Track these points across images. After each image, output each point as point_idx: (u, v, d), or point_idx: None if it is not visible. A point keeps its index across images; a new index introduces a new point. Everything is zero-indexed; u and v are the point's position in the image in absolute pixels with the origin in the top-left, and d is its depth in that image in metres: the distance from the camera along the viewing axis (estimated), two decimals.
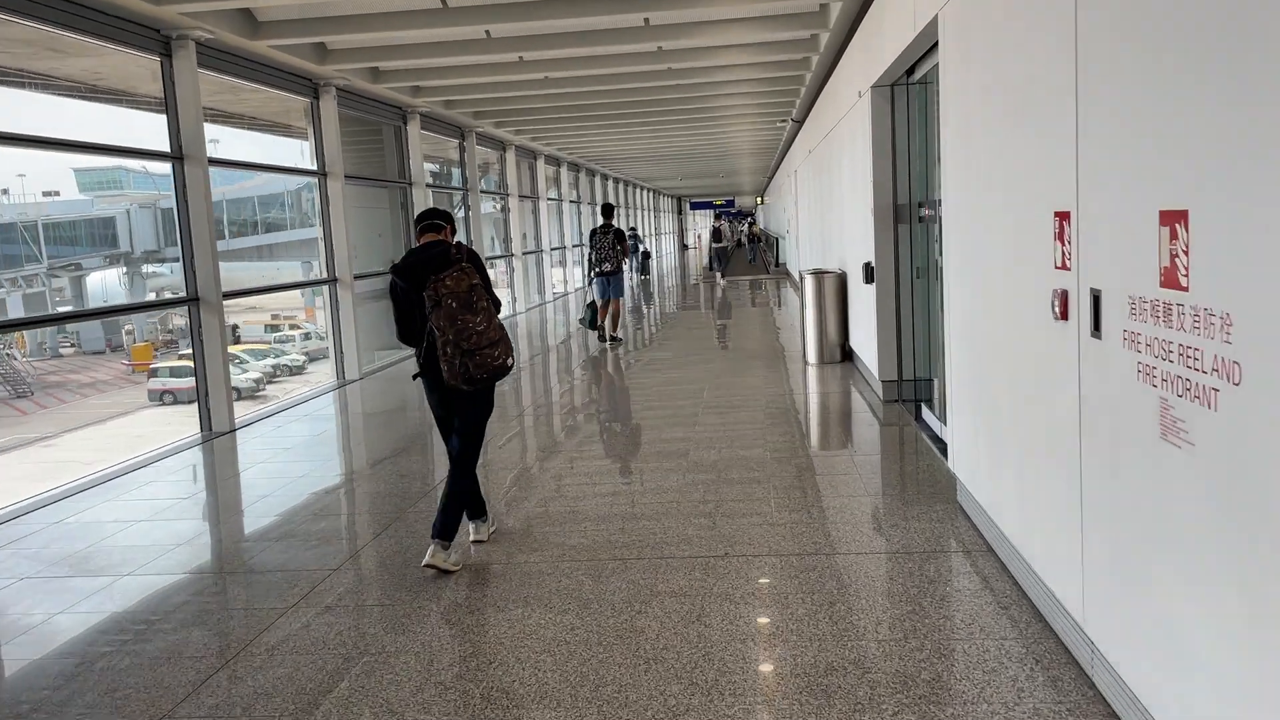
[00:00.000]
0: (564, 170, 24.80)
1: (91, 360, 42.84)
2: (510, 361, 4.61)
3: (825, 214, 13.00)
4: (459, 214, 17.35)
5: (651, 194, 46.76)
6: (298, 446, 7.93)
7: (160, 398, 31.43)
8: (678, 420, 7.85)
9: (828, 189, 12.44)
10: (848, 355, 10.52)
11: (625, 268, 13.02)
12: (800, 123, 17.61)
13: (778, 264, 29.56)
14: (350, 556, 5.00)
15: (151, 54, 8.19)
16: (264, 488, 6.57)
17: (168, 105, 8.32)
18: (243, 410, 9.60)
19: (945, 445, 6.41)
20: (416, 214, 4.97)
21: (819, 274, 10.52)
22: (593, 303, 12.83)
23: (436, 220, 4.66)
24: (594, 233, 13.03)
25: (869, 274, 8.12)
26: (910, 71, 7.17)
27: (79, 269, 48.09)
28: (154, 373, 34.43)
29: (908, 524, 4.90)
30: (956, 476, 5.14)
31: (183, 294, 8.49)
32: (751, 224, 47.06)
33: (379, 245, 14.07)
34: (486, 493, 5.56)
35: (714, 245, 30.95)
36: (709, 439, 7.09)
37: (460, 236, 17.43)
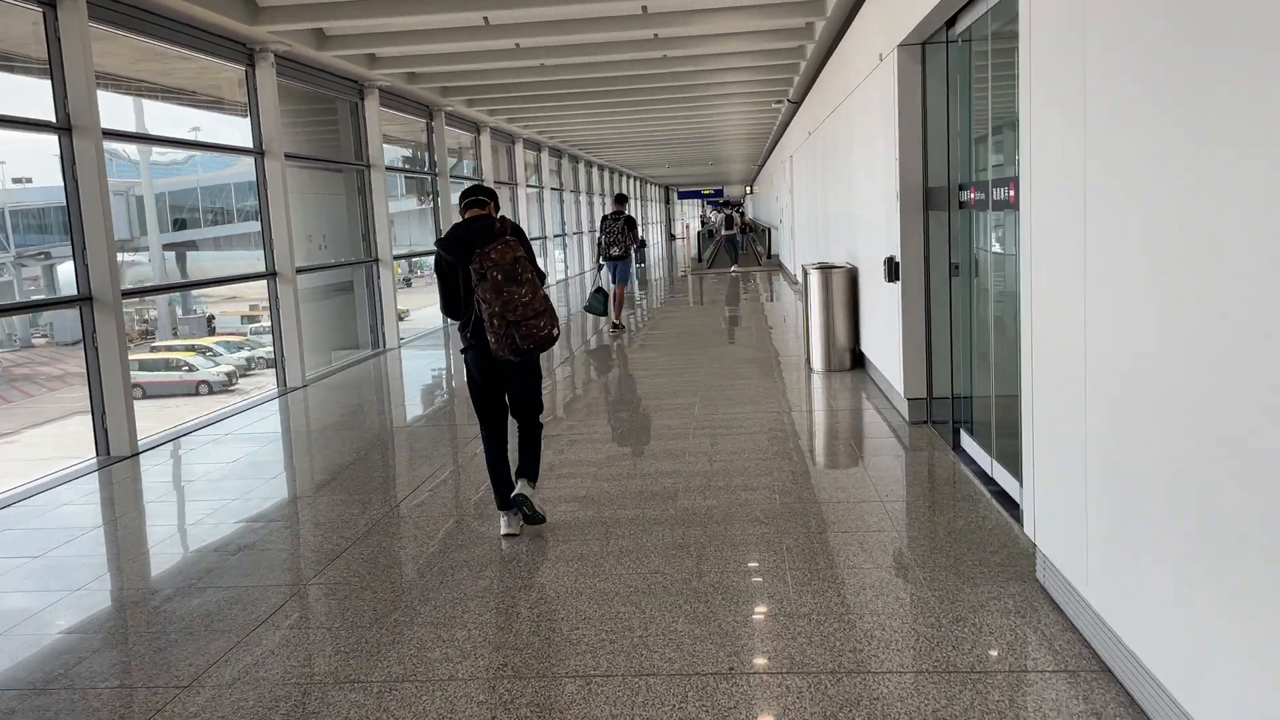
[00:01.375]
0: (545, 155, 23.41)
1: (64, 351, 41.31)
2: (556, 332, 4.65)
3: (829, 201, 11.68)
4: (428, 201, 15.98)
5: (638, 182, 45.37)
6: (202, 480, 6.58)
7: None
8: (665, 447, 6.54)
9: (833, 173, 11.12)
10: (858, 361, 9.22)
11: (632, 255, 13.54)
12: (798, 104, 16.29)
13: (769, 256, 28.22)
14: (198, 676, 3.66)
15: (30, 2, 6.80)
16: (132, 540, 5.23)
17: (51, 67, 6.94)
18: (171, 420, 8.30)
19: (988, 478, 5.14)
20: (461, 190, 4.94)
21: (825, 269, 9.20)
22: (600, 288, 12.77)
23: (480, 196, 4.78)
24: (605, 219, 13.30)
25: (892, 271, 6.82)
26: (950, 23, 5.85)
27: (48, 258, 46.68)
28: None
29: (976, 620, 3.60)
30: (1041, 551, 3.83)
31: (90, 291, 7.13)
32: (741, 214, 45.71)
33: (333, 235, 12.72)
34: (459, 512, 4.23)
35: (724, 234, 29.38)
36: (702, 475, 5.78)
37: (429, 226, 16.07)
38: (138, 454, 7.25)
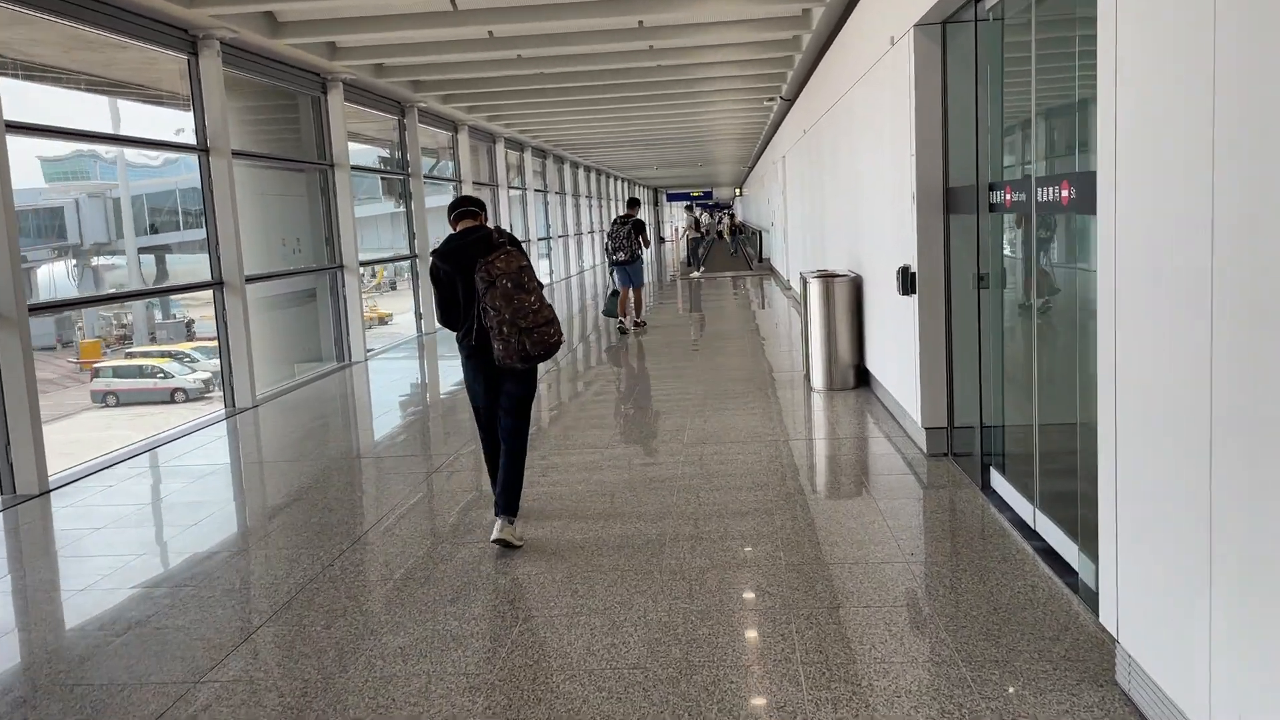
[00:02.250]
0: (528, 156, 22.54)
1: (39, 358, 40.20)
2: (561, 339, 4.68)
3: (828, 204, 10.87)
4: (398, 204, 15.11)
5: (626, 184, 44.55)
6: (112, 527, 5.70)
7: (103, 399, 29.07)
8: (650, 483, 5.69)
9: (832, 173, 10.30)
10: (863, 378, 8.40)
11: (641, 258, 13.63)
12: (791, 101, 15.49)
13: (761, 259, 27.42)
14: None
15: None
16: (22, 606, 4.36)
17: None
18: (148, 429, 7.48)
19: (1028, 528, 4.31)
20: (450, 202, 4.90)
21: (826, 279, 8.38)
22: (615, 291, 13.13)
23: (472, 207, 4.82)
24: (614, 223, 13.42)
25: (907, 282, 5.99)
26: None
27: (24, 262, 45.59)
28: (97, 373, 31.97)
29: None
30: (1124, 649, 3.00)
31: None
32: (731, 216, 44.99)
33: (294, 240, 11.84)
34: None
35: (690, 236, 28.80)
36: (691, 521, 4.93)
37: (402, 230, 15.20)
38: (48, 492, 6.36)
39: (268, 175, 12.21)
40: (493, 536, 4.68)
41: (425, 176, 15.06)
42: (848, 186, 8.97)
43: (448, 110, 15.19)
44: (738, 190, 51.79)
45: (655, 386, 9.21)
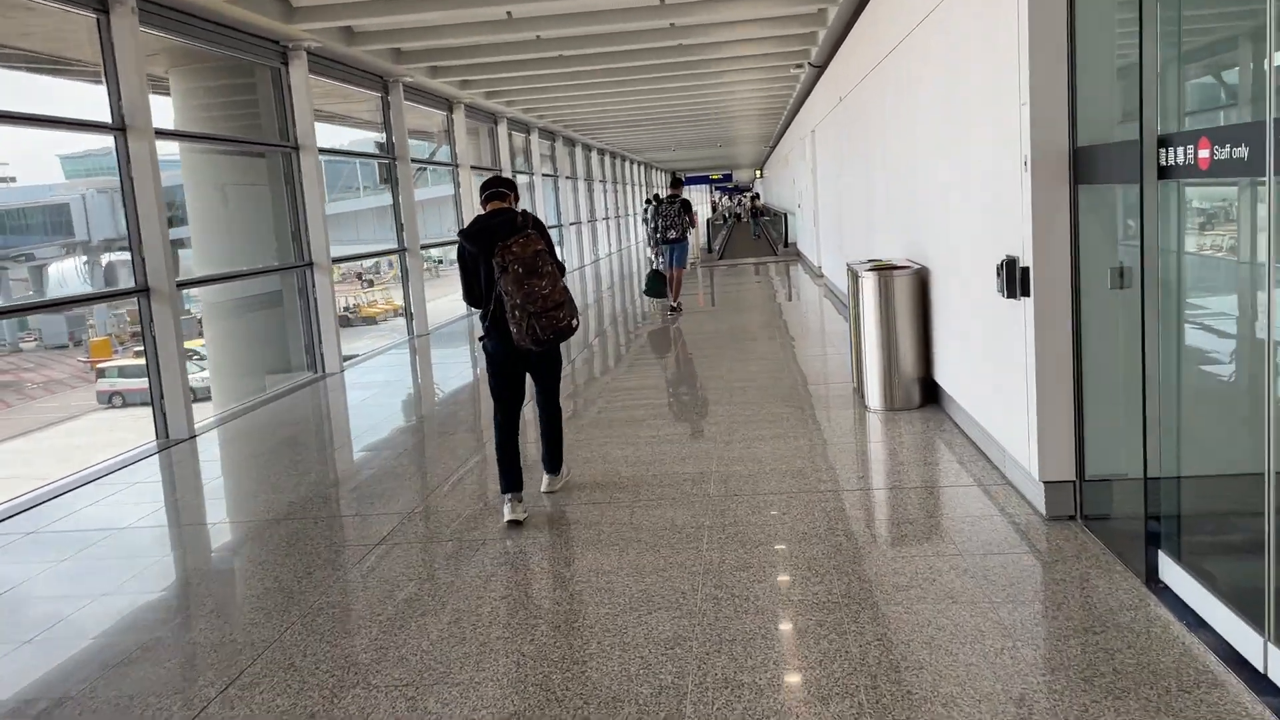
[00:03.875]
0: (535, 138, 20.91)
1: (51, 356, 39.13)
2: (575, 323, 4.77)
3: (875, 179, 9.21)
4: (380, 189, 13.56)
5: (643, 168, 42.88)
6: None
7: (109, 400, 27.87)
8: (661, 567, 4.11)
9: (881, 141, 8.64)
10: (929, 393, 6.78)
11: (689, 238, 13.63)
12: (822, 67, 13.80)
13: (786, 244, 25.68)
14: None
15: None
16: None
17: None
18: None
19: (1254, 670, 2.73)
20: (482, 182, 4.94)
21: (883, 272, 6.74)
22: (655, 270, 13.20)
23: (501, 188, 4.88)
24: (660, 202, 13.43)
25: (1017, 281, 4.35)
26: None
27: (31, 259, 44.60)
28: (102, 372, 30.73)
29: None
30: None
31: None
32: (754, 197, 43.24)
33: (250, 235, 10.35)
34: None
35: (650, 226, 27.09)
36: (715, 643, 3.35)
37: (389, 222, 13.65)
38: None
39: (226, 163, 10.69)
40: (542, 489, 5.29)
41: (415, 161, 13.48)
42: (905, 156, 7.32)
43: (439, 85, 13.58)
44: (758, 172, 50.01)
45: (671, 403, 7.61)
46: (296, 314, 10.32)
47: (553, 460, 5.28)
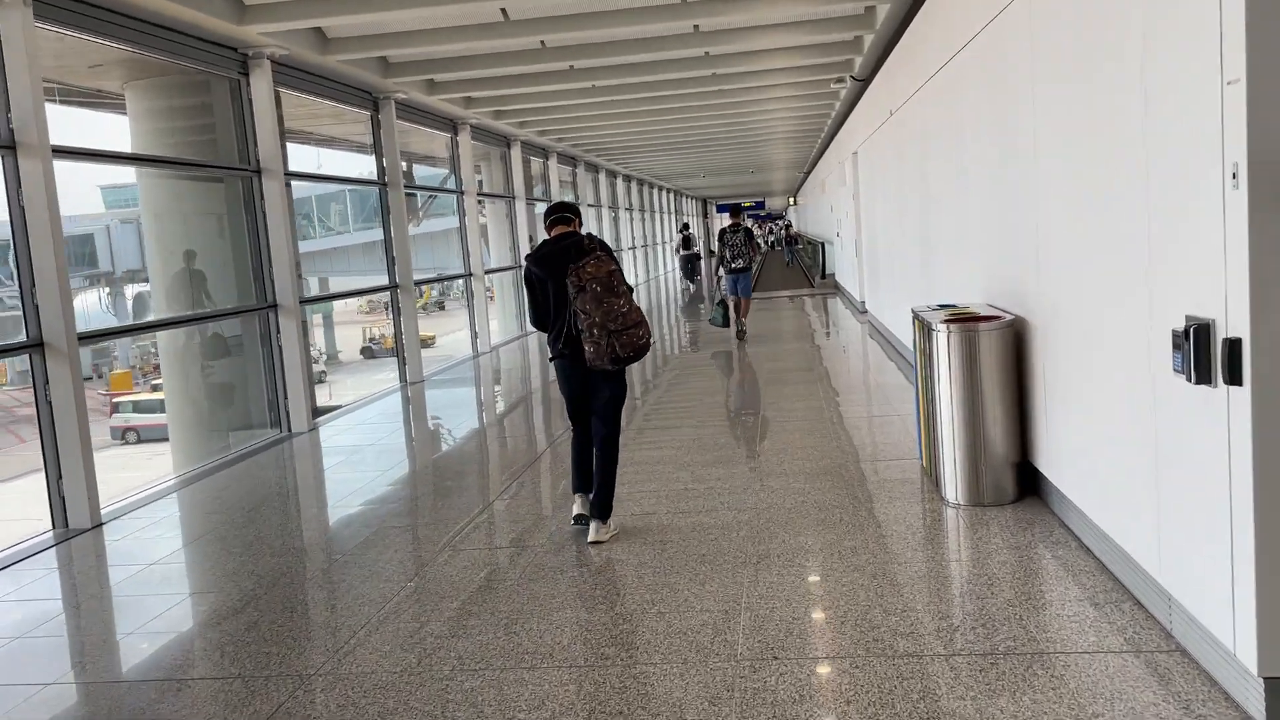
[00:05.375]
0: (554, 163, 19.53)
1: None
2: (651, 341, 4.84)
3: (941, 203, 7.64)
4: (338, 217, 12.18)
5: (671, 194, 41.53)
6: None
7: (123, 436, 26.76)
8: None
9: (955, 148, 7.08)
10: (1027, 482, 5.16)
11: (754, 267, 13.72)
12: (866, 81, 12.27)
13: (824, 275, 24.04)
14: None
15: None
16: None
17: None
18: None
19: None
20: (546, 208, 5.09)
21: (964, 324, 5.15)
22: (722, 301, 13.34)
23: (566, 213, 5.00)
24: (723, 231, 13.51)
25: (1218, 359, 2.76)
26: None
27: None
28: (117, 407, 29.66)
29: None
30: None
31: None
32: (787, 225, 41.73)
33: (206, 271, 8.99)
34: None
35: (683, 252, 26.61)
36: None
37: (379, 258, 12.26)
38: None
39: (186, 190, 9.34)
40: (589, 538, 4.95)
41: (407, 188, 12.07)
42: (993, 167, 5.75)
43: (434, 102, 12.18)
44: (791, 199, 48.52)
45: (690, 488, 6.02)
46: (259, 363, 8.88)
47: (601, 504, 5.02)
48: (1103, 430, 3.93)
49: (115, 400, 30.91)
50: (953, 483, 5.22)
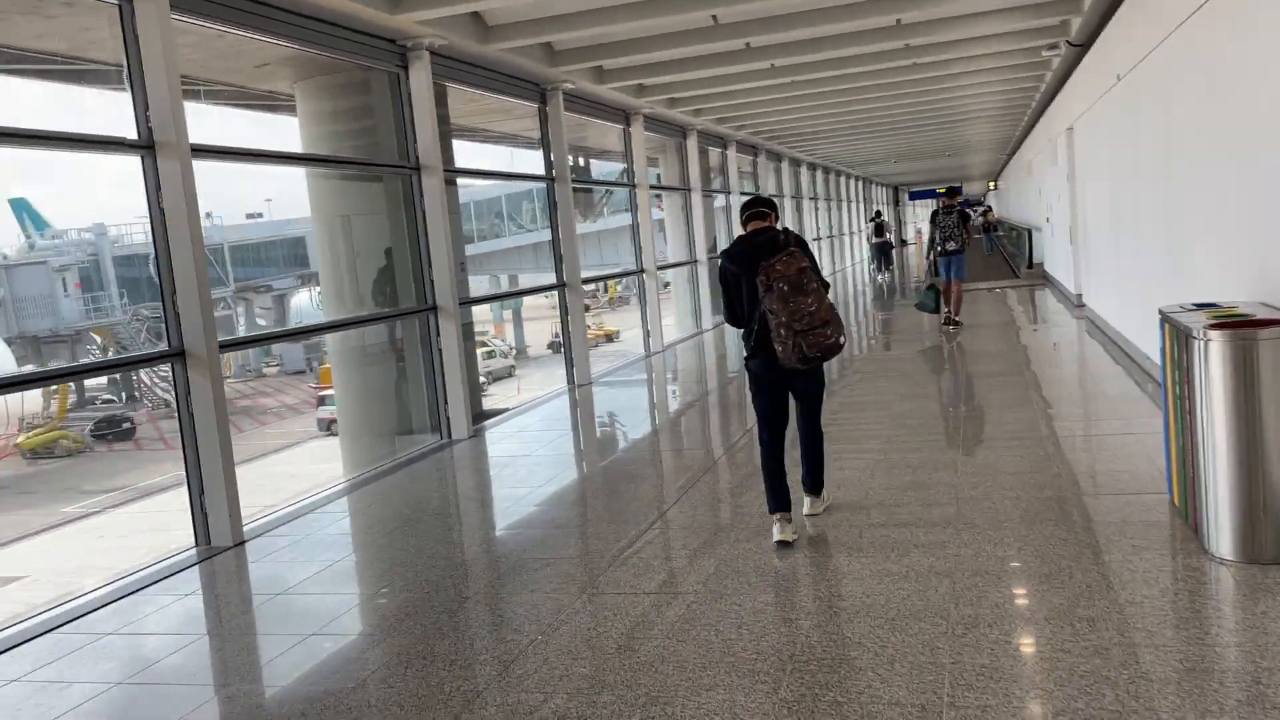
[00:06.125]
0: (733, 152, 18.69)
1: (289, 381, 40.91)
2: (842, 340, 4.72)
3: (1182, 170, 6.33)
4: (529, 215, 11.75)
5: (861, 183, 39.75)
6: None
7: (328, 427, 28.03)
8: None
9: (1218, 108, 5.79)
10: None
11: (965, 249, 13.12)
12: (1084, 46, 10.77)
13: (1030, 264, 22.02)
14: None
15: None
16: None
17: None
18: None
19: None
20: (742, 203, 4.98)
21: (1234, 328, 3.98)
22: (932, 285, 12.70)
23: (762, 208, 4.87)
24: (935, 213, 13.07)
25: None
26: None
27: (269, 289, 47.10)
28: (322, 400, 31.20)
29: None
30: None
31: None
32: (986, 211, 39.05)
33: (365, 274, 8.75)
34: None
35: (875, 241, 26.22)
36: None
37: (547, 260, 11.83)
38: None
39: (351, 190, 9.18)
40: (805, 512, 5.09)
41: (574, 183, 11.58)
42: (1271, 133, 4.52)
43: (604, 92, 11.61)
44: (991, 184, 45.49)
45: (875, 522, 5.09)
46: (419, 368, 8.58)
47: (814, 482, 5.13)
48: None
49: (321, 394, 32.48)
50: (1219, 532, 4.07)
